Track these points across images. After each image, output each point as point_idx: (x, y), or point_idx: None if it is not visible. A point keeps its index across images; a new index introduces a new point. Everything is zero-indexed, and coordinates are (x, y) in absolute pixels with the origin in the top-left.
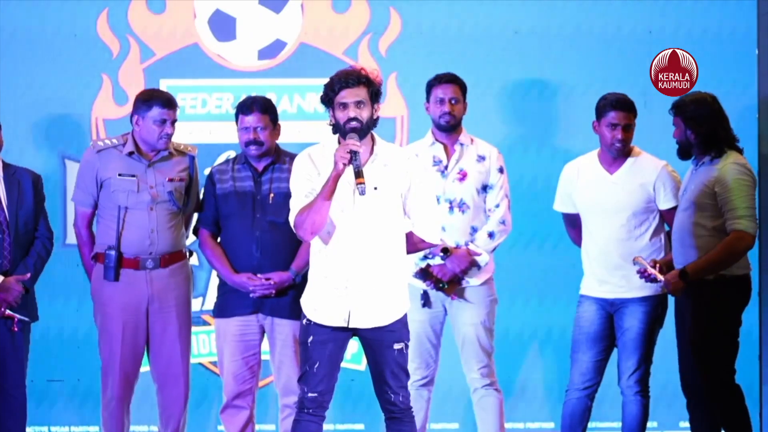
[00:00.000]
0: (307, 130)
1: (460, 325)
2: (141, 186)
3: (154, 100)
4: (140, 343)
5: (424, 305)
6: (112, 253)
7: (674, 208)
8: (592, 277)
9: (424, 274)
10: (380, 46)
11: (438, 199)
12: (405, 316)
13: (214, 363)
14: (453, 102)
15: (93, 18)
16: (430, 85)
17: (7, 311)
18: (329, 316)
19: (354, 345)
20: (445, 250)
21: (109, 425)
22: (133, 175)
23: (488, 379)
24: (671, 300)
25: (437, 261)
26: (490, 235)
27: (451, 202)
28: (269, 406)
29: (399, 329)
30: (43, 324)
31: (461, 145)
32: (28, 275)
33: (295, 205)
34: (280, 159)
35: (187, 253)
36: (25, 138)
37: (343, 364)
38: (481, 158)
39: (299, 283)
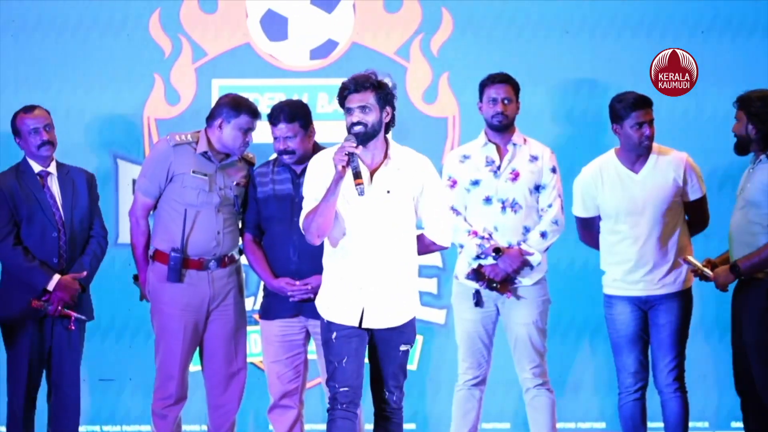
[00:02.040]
0: None
1: (512, 324)
2: (212, 186)
3: (243, 108)
4: (196, 344)
5: (476, 305)
6: (177, 255)
7: (700, 199)
8: (622, 277)
9: (476, 274)
10: (432, 45)
11: (490, 199)
12: (414, 319)
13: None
14: (506, 102)
15: (145, 18)
16: (483, 85)
17: (64, 310)
18: (343, 316)
19: None
20: (497, 250)
21: (163, 424)
22: (205, 174)
23: (540, 379)
24: (721, 299)
25: (490, 261)
26: (543, 234)
27: (503, 202)
28: (318, 406)
29: (408, 331)
30: (95, 322)
31: (514, 145)
32: (84, 273)
33: (305, 207)
34: None
35: (237, 253)
36: (77, 138)
37: None
38: (534, 158)
39: None
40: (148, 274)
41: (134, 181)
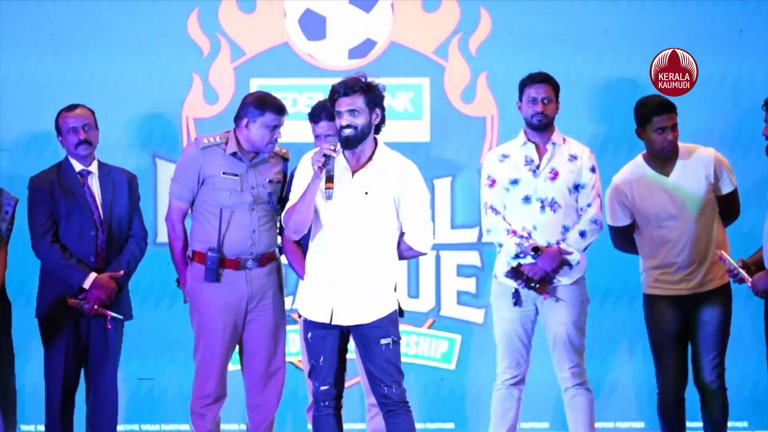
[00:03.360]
0: (398, 129)
1: (551, 324)
2: (244, 186)
3: (267, 106)
4: (235, 343)
5: (515, 304)
6: (214, 255)
7: (732, 193)
8: (662, 277)
9: (515, 273)
10: (470, 45)
11: (529, 198)
12: (394, 314)
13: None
14: (545, 102)
15: (184, 17)
16: (523, 85)
17: (100, 308)
18: (315, 312)
19: (444, 345)
20: (536, 249)
21: (202, 423)
22: (236, 175)
23: (579, 379)
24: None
25: (529, 260)
26: (582, 234)
27: (542, 201)
28: (357, 405)
29: (386, 326)
30: (134, 322)
31: (553, 144)
32: (122, 272)
33: (289, 202)
34: None
35: (277, 251)
36: (116, 137)
37: (433, 364)
38: (573, 158)
39: None
40: (187, 276)
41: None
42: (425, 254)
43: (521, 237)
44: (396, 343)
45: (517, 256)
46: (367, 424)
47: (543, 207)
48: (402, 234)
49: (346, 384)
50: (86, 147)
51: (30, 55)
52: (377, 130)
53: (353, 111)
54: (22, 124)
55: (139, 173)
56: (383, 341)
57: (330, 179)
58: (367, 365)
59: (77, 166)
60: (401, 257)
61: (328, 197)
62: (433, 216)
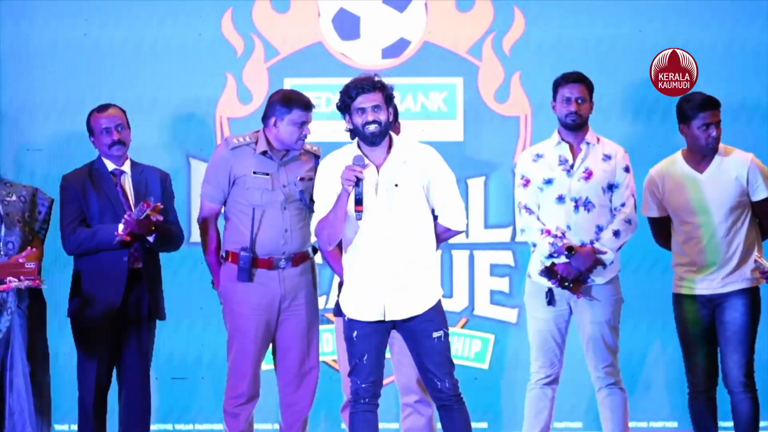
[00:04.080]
0: (431, 129)
1: (585, 323)
2: (275, 184)
3: (294, 102)
4: (268, 342)
5: (549, 303)
6: (247, 254)
7: (765, 200)
8: (688, 276)
9: (549, 272)
10: (504, 44)
11: (563, 198)
12: (440, 303)
13: (336, 361)
14: (579, 101)
15: (217, 17)
16: (557, 84)
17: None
18: (366, 312)
19: (477, 344)
20: (570, 249)
21: (235, 423)
22: (266, 174)
23: (613, 378)
24: None
25: (562, 260)
26: (616, 233)
27: (576, 201)
28: (390, 404)
29: (436, 318)
30: (167, 321)
31: (587, 144)
32: (159, 204)
33: (317, 212)
34: None
35: (311, 251)
36: (150, 137)
37: (467, 363)
38: (607, 157)
39: None
40: (220, 275)
41: None
42: (462, 232)
43: (555, 237)
44: (447, 335)
45: (551, 256)
46: (401, 424)
47: (577, 207)
48: (436, 218)
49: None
50: (120, 147)
51: (63, 56)
52: (390, 127)
53: (376, 107)
54: (56, 125)
55: (172, 173)
56: (435, 334)
57: (359, 202)
58: (419, 360)
59: (110, 166)
60: (440, 240)
61: (358, 218)
62: (466, 216)
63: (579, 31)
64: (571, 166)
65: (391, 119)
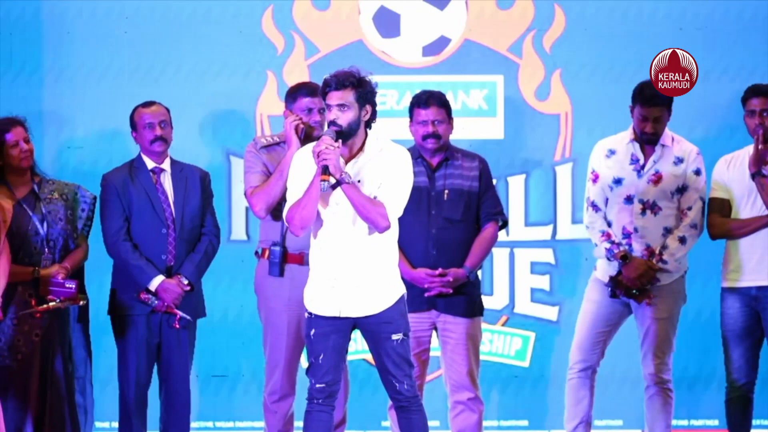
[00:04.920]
0: (472, 127)
1: (645, 318)
2: None
3: (299, 91)
4: (303, 338)
5: (611, 296)
6: (277, 249)
7: None
8: (733, 268)
9: (615, 282)
10: (545, 42)
11: (632, 199)
12: (400, 305)
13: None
14: (655, 121)
15: (258, 15)
16: (634, 99)
17: (170, 308)
18: (324, 307)
19: (518, 342)
20: (624, 257)
21: (274, 420)
22: None
23: (664, 376)
24: None
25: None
26: (682, 240)
27: (644, 203)
28: (439, 401)
29: (396, 320)
30: (207, 319)
31: (662, 146)
32: (187, 285)
33: (290, 199)
34: (453, 155)
35: None
36: (190, 134)
37: (507, 361)
38: (679, 160)
39: (473, 281)
40: (256, 271)
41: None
42: (379, 230)
43: (612, 243)
44: (407, 337)
45: (608, 260)
46: (451, 423)
47: (644, 209)
48: None
49: (428, 378)
50: (161, 143)
51: (103, 53)
52: (368, 125)
53: (342, 105)
54: (95, 121)
55: (213, 170)
56: (395, 337)
57: (325, 171)
58: (379, 359)
59: (150, 164)
60: None
61: (324, 189)
62: (507, 213)
63: (619, 28)
64: (642, 167)
65: (365, 118)
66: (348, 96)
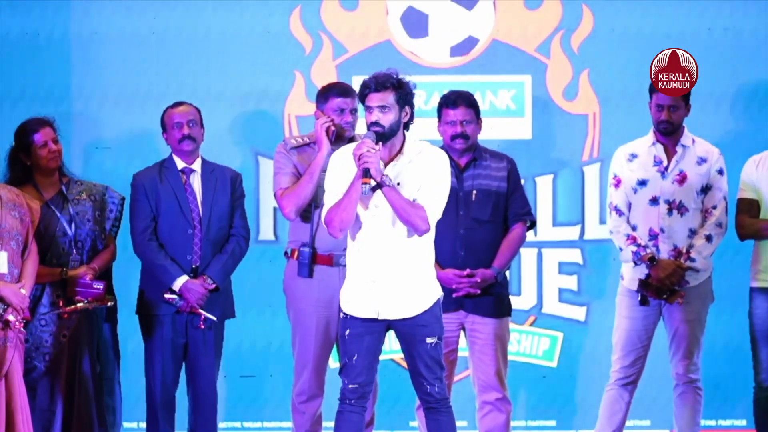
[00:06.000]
0: (500, 127)
1: (674, 319)
2: None
3: (330, 92)
4: (332, 339)
5: (641, 303)
6: (307, 250)
7: None
8: (760, 267)
9: (644, 285)
10: (572, 43)
11: (657, 200)
12: (436, 308)
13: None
14: (671, 110)
15: (286, 15)
16: (652, 91)
17: (194, 308)
18: (361, 309)
19: (546, 342)
20: (652, 259)
21: (302, 420)
22: (325, 171)
23: (692, 376)
24: None
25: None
26: (708, 238)
27: (670, 204)
28: (460, 402)
29: (431, 323)
30: (236, 320)
31: (683, 147)
32: (212, 284)
33: (328, 201)
34: (481, 155)
35: None
36: (219, 135)
37: (535, 361)
38: (702, 160)
39: (501, 282)
40: (285, 272)
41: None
42: (419, 233)
43: (638, 245)
44: (440, 341)
45: (634, 264)
46: (479, 423)
47: (671, 210)
48: None
49: (456, 378)
50: (190, 142)
51: (132, 54)
52: (406, 127)
53: (383, 107)
54: (125, 123)
55: (241, 171)
56: (429, 340)
57: (366, 174)
58: (411, 362)
59: (180, 164)
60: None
61: (365, 192)
62: (534, 213)
63: (648, 29)
64: (666, 168)
65: (405, 119)
66: (388, 97)
